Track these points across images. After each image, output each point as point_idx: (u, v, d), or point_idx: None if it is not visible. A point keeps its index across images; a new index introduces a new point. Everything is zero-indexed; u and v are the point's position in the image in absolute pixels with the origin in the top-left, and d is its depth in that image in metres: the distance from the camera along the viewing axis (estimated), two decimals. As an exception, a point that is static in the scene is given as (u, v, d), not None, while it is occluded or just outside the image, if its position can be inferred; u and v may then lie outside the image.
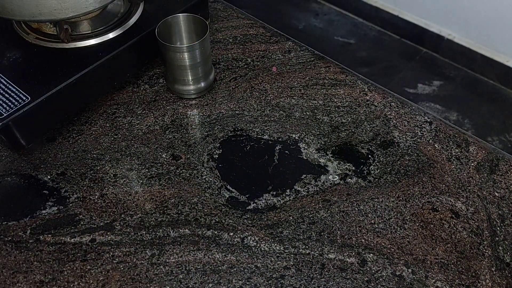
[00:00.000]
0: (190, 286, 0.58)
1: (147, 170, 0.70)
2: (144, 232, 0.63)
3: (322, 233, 0.63)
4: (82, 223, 0.64)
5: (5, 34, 0.77)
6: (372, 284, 0.58)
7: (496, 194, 0.67)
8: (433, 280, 0.59)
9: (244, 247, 0.62)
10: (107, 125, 0.76)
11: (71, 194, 0.67)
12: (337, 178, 0.69)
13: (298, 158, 0.72)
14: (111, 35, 0.77)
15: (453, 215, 0.65)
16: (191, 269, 0.60)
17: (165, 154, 0.72)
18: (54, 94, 0.69)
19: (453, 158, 0.71)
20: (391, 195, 0.67)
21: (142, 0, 0.82)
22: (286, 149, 0.72)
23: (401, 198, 0.67)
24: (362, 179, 0.69)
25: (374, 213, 0.65)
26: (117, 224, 0.64)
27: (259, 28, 0.92)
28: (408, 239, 0.62)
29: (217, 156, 0.72)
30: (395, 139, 0.74)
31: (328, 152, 0.72)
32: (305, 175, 0.69)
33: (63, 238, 0.62)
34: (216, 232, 0.63)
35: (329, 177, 0.69)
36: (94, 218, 0.64)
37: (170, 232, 0.63)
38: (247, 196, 0.67)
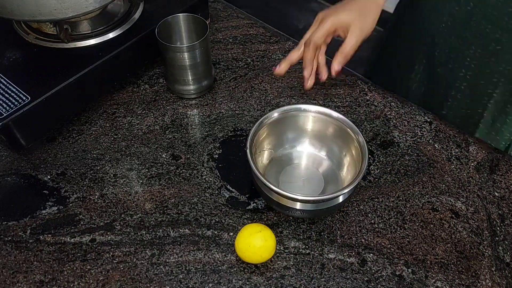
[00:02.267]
0: (190, 286, 0.58)
1: (147, 170, 0.70)
2: (144, 232, 0.63)
3: (322, 233, 0.63)
4: (82, 223, 0.64)
5: (5, 34, 0.77)
6: (372, 284, 0.58)
7: (496, 194, 0.67)
8: (433, 280, 0.59)
9: (244, 247, 0.62)
10: (107, 125, 0.75)
11: (71, 194, 0.67)
12: (337, 178, 0.69)
13: (298, 158, 0.71)
14: (111, 35, 0.77)
15: (453, 215, 0.65)
16: (191, 269, 0.60)
17: (165, 154, 0.72)
18: (54, 94, 0.69)
19: (453, 158, 0.71)
20: (391, 195, 0.67)
21: (142, 0, 0.82)
22: (286, 149, 0.72)
23: (401, 198, 0.67)
24: (362, 179, 0.69)
25: (374, 213, 0.65)
26: (117, 224, 0.64)
27: (259, 28, 0.92)
28: (408, 239, 0.62)
29: (217, 156, 0.72)
30: (395, 139, 0.74)
31: (328, 152, 0.72)
32: (305, 175, 0.69)
33: (63, 238, 0.62)
34: (216, 232, 0.63)
35: (329, 177, 0.69)
36: (94, 218, 0.64)
37: (170, 232, 0.63)
38: (247, 196, 0.67)
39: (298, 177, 0.68)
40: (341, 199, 0.60)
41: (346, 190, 0.57)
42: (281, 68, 0.74)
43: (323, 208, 0.60)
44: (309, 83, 0.75)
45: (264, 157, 0.68)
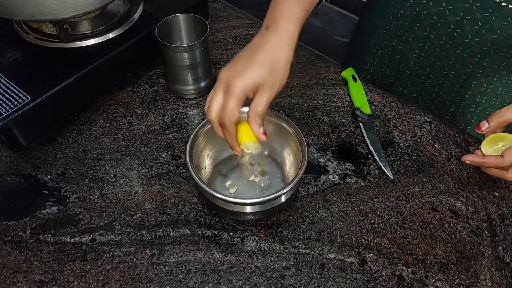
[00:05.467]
0: (190, 286, 0.58)
1: (147, 170, 0.70)
2: (144, 232, 0.63)
3: (322, 233, 0.63)
4: (82, 223, 0.64)
5: (5, 34, 0.77)
6: (372, 284, 0.58)
7: (496, 194, 0.67)
8: (433, 280, 0.59)
9: (244, 247, 0.62)
10: (107, 125, 0.76)
11: (71, 194, 0.67)
12: (337, 178, 0.69)
13: (298, 158, 0.71)
14: (111, 35, 0.77)
15: (453, 215, 0.65)
16: (191, 269, 0.60)
17: (165, 154, 0.72)
18: (54, 94, 0.69)
19: (453, 158, 0.71)
20: (391, 195, 0.67)
21: (142, 0, 0.82)
22: (286, 149, 0.72)
23: (401, 198, 0.67)
24: (362, 179, 0.69)
25: (374, 213, 0.65)
26: (117, 224, 0.64)
27: (259, 28, 0.92)
28: (408, 239, 0.62)
29: (217, 156, 0.71)
30: (395, 139, 0.74)
31: (328, 152, 0.72)
32: (305, 175, 0.69)
33: (63, 238, 0.62)
34: (216, 232, 0.63)
35: (329, 177, 0.69)
36: (94, 218, 0.64)
37: (170, 232, 0.63)
38: (247, 196, 0.67)
39: (244, 179, 0.68)
40: (283, 198, 0.62)
41: (287, 189, 0.58)
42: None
43: (271, 208, 0.61)
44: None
45: (207, 167, 0.68)
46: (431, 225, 0.64)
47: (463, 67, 0.76)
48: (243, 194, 0.65)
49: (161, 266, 0.60)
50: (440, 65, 0.78)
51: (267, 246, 0.62)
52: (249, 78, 0.55)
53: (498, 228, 0.64)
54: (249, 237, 0.62)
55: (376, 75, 0.89)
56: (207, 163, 0.67)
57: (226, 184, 0.67)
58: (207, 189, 0.58)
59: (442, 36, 0.75)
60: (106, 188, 0.68)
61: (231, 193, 0.65)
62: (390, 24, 0.82)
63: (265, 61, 0.56)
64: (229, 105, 0.55)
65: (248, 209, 0.61)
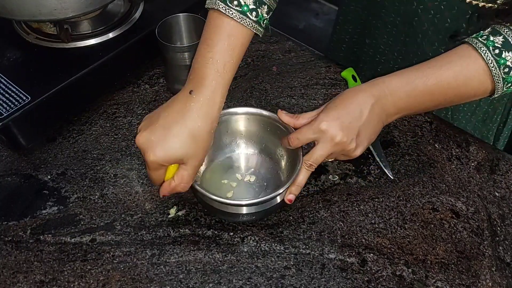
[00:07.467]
0: (191, 286, 0.58)
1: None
2: (144, 232, 0.63)
3: (322, 233, 0.63)
4: (82, 223, 0.64)
5: (5, 34, 0.77)
6: (372, 284, 0.58)
7: (497, 194, 0.67)
8: (433, 280, 0.59)
9: (245, 247, 0.62)
10: (107, 125, 0.75)
11: (71, 194, 0.67)
12: (337, 178, 0.69)
13: (298, 158, 0.71)
14: (111, 35, 0.77)
15: (454, 215, 0.65)
16: (192, 269, 0.60)
17: (165, 154, 0.72)
18: (54, 94, 0.69)
19: (453, 158, 0.71)
20: (391, 195, 0.67)
21: (142, 0, 0.82)
22: (286, 149, 0.72)
23: (401, 198, 0.67)
24: (362, 179, 0.69)
25: (375, 213, 0.65)
26: (118, 224, 0.64)
27: (259, 28, 0.92)
28: (408, 239, 0.62)
29: (217, 156, 0.71)
30: (395, 138, 0.74)
31: (328, 152, 0.72)
32: (305, 175, 0.69)
33: (63, 238, 0.62)
34: (216, 232, 0.63)
35: (329, 177, 0.69)
36: (94, 218, 0.64)
37: (170, 232, 0.63)
38: (247, 196, 0.67)
39: (240, 180, 0.68)
40: (278, 199, 0.61)
41: (283, 189, 0.59)
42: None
43: (269, 208, 0.61)
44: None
45: (202, 169, 0.67)
46: (432, 225, 0.64)
47: (424, 55, 0.77)
48: (240, 196, 0.65)
49: (162, 266, 0.60)
50: (406, 51, 0.79)
51: (267, 246, 0.62)
52: (165, 153, 0.54)
53: (498, 228, 0.64)
54: (249, 237, 0.62)
55: (347, 59, 0.89)
56: (202, 166, 0.67)
57: (222, 186, 0.66)
58: (203, 191, 0.58)
59: (405, 23, 0.76)
60: (106, 188, 0.68)
61: (227, 196, 0.65)
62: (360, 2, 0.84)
63: (184, 134, 0.54)
64: (150, 176, 0.58)
65: (245, 210, 0.61)
